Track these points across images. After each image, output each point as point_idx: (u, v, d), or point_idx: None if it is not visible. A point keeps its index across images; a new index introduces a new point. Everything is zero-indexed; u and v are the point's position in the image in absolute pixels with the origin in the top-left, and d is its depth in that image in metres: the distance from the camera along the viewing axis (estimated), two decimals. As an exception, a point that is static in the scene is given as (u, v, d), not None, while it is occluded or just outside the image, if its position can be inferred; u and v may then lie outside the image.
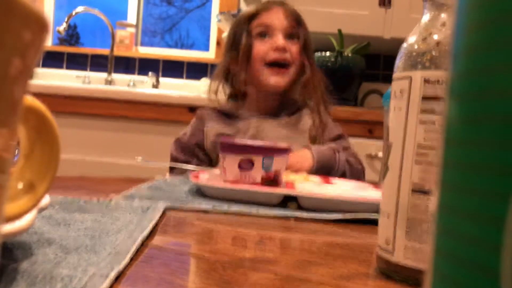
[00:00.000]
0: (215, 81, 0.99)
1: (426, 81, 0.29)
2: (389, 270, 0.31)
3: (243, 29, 0.93)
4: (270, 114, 0.97)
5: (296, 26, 0.92)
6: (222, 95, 1.01)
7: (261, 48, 0.92)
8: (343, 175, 0.87)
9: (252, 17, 0.94)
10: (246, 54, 0.92)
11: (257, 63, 0.92)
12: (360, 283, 0.29)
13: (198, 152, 0.95)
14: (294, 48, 0.92)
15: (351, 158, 0.92)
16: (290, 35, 0.92)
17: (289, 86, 0.95)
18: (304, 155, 0.85)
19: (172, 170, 0.95)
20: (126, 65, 2.07)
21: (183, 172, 0.88)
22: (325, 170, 0.85)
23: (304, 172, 0.81)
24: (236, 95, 1.01)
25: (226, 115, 0.98)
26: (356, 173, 0.90)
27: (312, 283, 0.28)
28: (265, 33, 0.92)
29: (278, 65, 0.92)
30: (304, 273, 0.30)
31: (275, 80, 0.92)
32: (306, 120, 0.96)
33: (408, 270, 0.29)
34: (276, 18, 0.91)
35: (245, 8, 1.85)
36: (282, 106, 0.98)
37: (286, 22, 0.91)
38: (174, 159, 0.96)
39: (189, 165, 0.86)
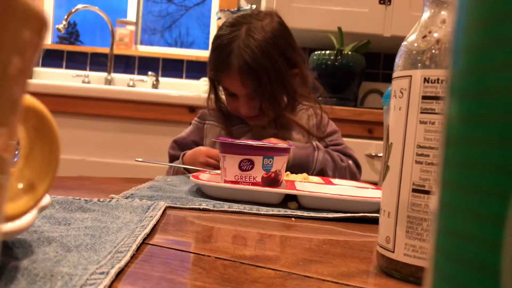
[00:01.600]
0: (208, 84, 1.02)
1: (426, 80, 0.29)
2: (389, 268, 0.31)
3: (215, 81, 0.97)
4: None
5: (255, 87, 0.90)
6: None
7: (232, 106, 0.96)
8: (321, 172, 0.88)
9: (217, 77, 0.95)
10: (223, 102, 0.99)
11: (232, 110, 0.97)
12: (360, 281, 0.29)
13: (194, 147, 0.97)
14: (258, 104, 0.93)
15: (337, 156, 0.93)
16: (253, 96, 0.92)
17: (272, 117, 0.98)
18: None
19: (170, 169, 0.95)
20: (125, 63, 2.07)
21: (182, 171, 0.89)
22: (300, 167, 0.87)
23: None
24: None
25: (226, 116, 1.00)
26: (340, 170, 0.92)
27: (312, 281, 0.28)
28: (232, 94, 0.94)
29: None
30: (304, 271, 0.30)
31: (254, 123, 0.97)
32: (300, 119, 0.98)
33: (409, 268, 0.29)
34: (235, 87, 0.91)
35: (244, 6, 1.85)
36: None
37: (244, 89, 0.91)
38: (171, 157, 0.97)
39: (190, 166, 0.86)
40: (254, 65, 0.87)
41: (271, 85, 0.89)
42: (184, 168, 0.88)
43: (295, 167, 0.86)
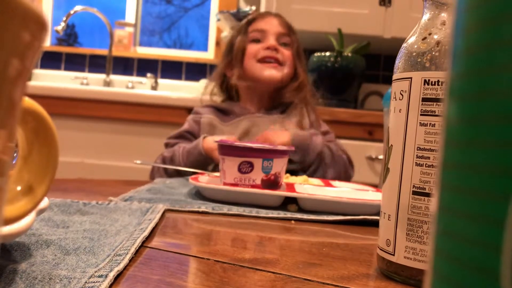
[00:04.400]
0: (212, 83, 1.05)
1: (426, 82, 0.29)
2: (389, 271, 0.31)
3: (240, 33, 1.01)
4: (262, 111, 1.00)
5: (288, 34, 0.99)
6: (216, 97, 1.06)
7: (253, 48, 0.98)
8: (321, 158, 0.89)
9: (249, 22, 1.01)
10: (239, 53, 0.99)
11: (249, 61, 0.98)
12: (360, 284, 0.29)
13: (188, 136, 0.98)
14: (286, 51, 0.99)
15: (333, 146, 0.94)
16: (282, 42, 0.99)
17: (282, 84, 0.99)
18: (281, 132, 0.89)
19: (166, 171, 0.95)
20: (124, 65, 2.07)
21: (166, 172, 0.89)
22: (300, 148, 0.87)
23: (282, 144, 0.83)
24: (231, 97, 1.06)
25: (221, 111, 1.01)
26: (338, 160, 0.92)
27: (312, 284, 0.28)
28: (258, 39, 0.99)
29: (269, 61, 0.97)
30: (304, 274, 0.30)
31: (269, 73, 0.97)
32: (295, 116, 0.99)
33: (409, 270, 0.29)
34: (270, 24, 0.99)
35: (244, 7, 1.86)
36: (274, 104, 1.02)
37: (279, 28, 0.99)
38: (165, 145, 0.99)
39: (187, 168, 0.86)
40: (288, 22, 1.02)
41: (300, 45, 1.00)
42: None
43: (295, 148, 0.86)
